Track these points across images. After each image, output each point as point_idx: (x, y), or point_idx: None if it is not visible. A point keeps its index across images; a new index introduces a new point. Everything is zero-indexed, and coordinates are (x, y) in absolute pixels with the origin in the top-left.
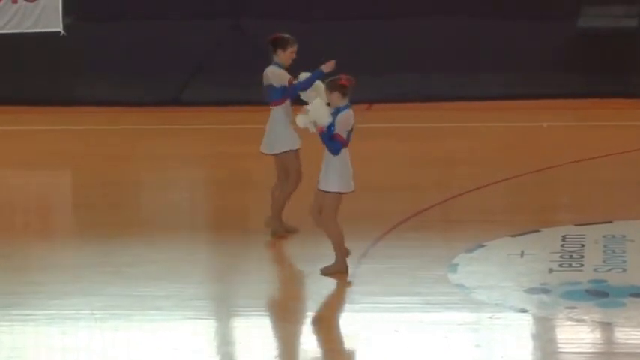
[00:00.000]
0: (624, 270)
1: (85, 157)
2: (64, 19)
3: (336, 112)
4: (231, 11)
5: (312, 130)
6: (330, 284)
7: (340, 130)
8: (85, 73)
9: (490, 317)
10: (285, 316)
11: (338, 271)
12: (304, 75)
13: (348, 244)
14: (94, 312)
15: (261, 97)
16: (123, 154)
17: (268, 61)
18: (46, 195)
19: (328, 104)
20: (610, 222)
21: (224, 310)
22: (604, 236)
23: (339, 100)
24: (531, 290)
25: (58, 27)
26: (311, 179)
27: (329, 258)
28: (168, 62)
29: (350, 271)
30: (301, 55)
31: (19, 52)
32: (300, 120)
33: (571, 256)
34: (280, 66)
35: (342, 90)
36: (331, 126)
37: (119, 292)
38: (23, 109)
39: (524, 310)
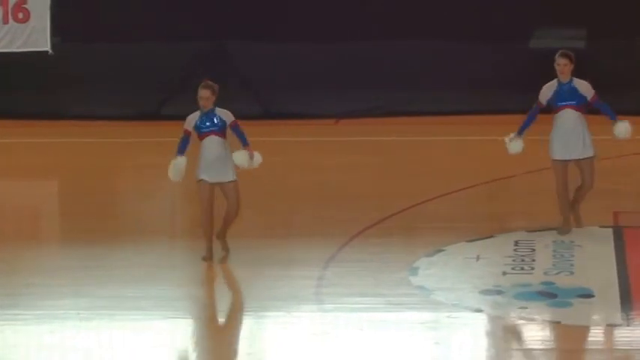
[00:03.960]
0: (572, 273)
1: (72, 168)
2: (52, 39)
3: None
4: (209, 32)
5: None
6: (300, 286)
7: None
8: (71, 90)
9: (448, 317)
10: (257, 316)
11: None
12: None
13: (316, 249)
14: (80, 312)
15: (236, 112)
16: (107, 165)
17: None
18: (35, 204)
19: None
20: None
21: (201, 311)
22: (554, 241)
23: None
24: (486, 292)
25: (46, 46)
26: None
27: (300, 262)
28: (149, 79)
29: (318, 274)
30: (277, 73)
31: (9, 70)
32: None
33: (523, 260)
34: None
35: None
36: None
37: (104, 293)
38: (12, 124)
39: (479, 310)
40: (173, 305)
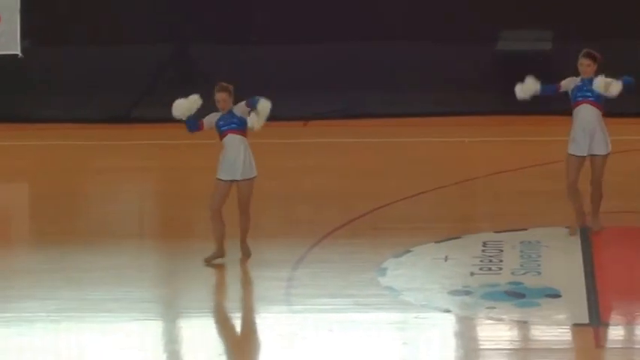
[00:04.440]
0: (539, 273)
1: (41, 170)
2: (22, 42)
3: None
4: (176, 36)
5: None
6: (268, 287)
7: None
8: (41, 93)
9: (416, 317)
10: (227, 317)
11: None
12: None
13: (285, 251)
14: (49, 314)
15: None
16: (76, 168)
17: (215, 81)
18: (4, 206)
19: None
20: (526, 229)
21: (169, 312)
22: (521, 242)
23: None
24: (454, 292)
25: (16, 50)
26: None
27: (268, 263)
28: (118, 83)
29: (288, 275)
30: (245, 76)
31: None
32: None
33: (491, 261)
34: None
35: None
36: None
37: (72, 295)
38: None
39: (447, 311)
40: (141, 307)
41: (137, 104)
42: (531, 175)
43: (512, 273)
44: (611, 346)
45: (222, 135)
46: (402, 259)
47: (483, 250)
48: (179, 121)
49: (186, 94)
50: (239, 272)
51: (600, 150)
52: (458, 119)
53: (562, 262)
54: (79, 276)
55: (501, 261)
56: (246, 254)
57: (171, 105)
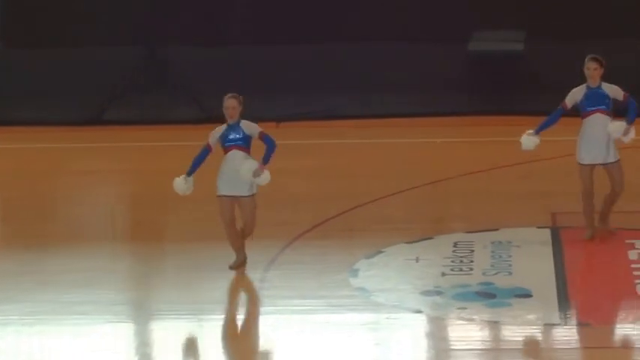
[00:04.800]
0: (510, 273)
1: (14, 173)
2: None
3: None
4: (149, 38)
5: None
6: (241, 289)
7: None
8: (12, 96)
9: (388, 318)
10: (199, 319)
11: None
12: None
13: (257, 252)
14: (22, 317)
15: (176, 117)
16: (48, 170)
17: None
18: None
19: None
20: (497, 229)
21: (142, 314)
22: (492, 242)
23: None
24: (426, 293)
25: None
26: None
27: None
28: (90, 85)
29: (259, 276)
30: (217, 78)
31: None
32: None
33: (462, 261)
34: None
35: None
36: None
37: (45, 298)
38: None
39: (419, 311)
40: (114, 309)
41: (109, 106)
42: (503, 176)
43: (484, 273)
44: (581, 346)
45: (226, 149)
46: (374, 260)
47: (454, 251)
48: (151, 122)
49: (158, 96)
50: (210, 274)
51: (614, 157)
52: (430, 120)
53: (533, 262)
54: (52, 279)
55: (472, 261)
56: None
57: (143, 106)
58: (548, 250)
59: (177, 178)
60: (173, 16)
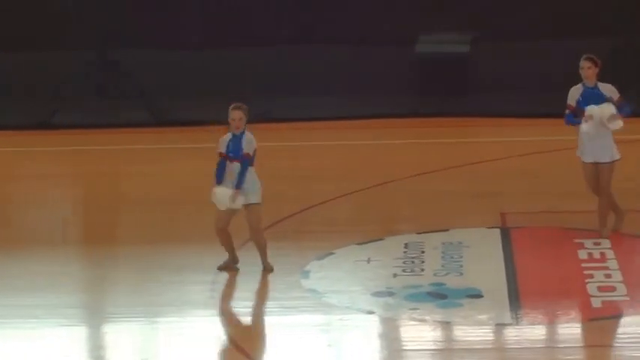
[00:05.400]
0: (461, 274)
1: None
2: None
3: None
4: (100, 41)
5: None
6: (193, 291)
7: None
8: None
9: (340, 319)
10: (152, 321)
11: None
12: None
13: (209, 255)
14: None
15: (126, 120)
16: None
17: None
18: None
19: None
20: (447, 230)
21: (95, 318)
22: (442, 243)
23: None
24: (377, 294)
25: None
26: None
27: (193, 267)
28: (40, 89)
29: (211, 278)
30: (169, 81)
31: None
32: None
33: (413, 262)
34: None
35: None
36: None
37: None
38: None
39: (371, 312)
40: (67, 313)
41: (58, 110)
42: (452, 177)
43: (435, 274)
44: (532, 346)
45: (231, 160)
46: (325, 261)
47: (405, 252)
48: (101, 126)
49: (108, 100)
50: (163, 277)
51: (604, 158)
52: (378, 122)
53: (483, 262)
54: (5, 283)
55: (423, 262)
56: (267, 269)
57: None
58: (499, 251)
59: (219, 189)
60: (125, 20)
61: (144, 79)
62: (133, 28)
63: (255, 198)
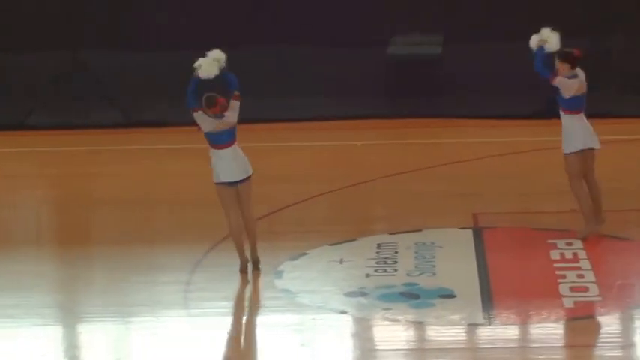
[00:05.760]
0: (434, 274)
1: None
2: None
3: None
4: (73, 43)
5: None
6: (166, 292)
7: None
8: None
9: (313, 319)
10: (126, 321)
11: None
12: None
13: (182, 255)
14: None
15: (98, 121)
16: None
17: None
18: None
19: None
20: (420, 230)
21: (70, 317)
22: (415, 243)
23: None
24: (350, 294)
25: None
26: None
27: (166, 268)
28: (13, 90)
29: (185, 278)
30: (137, 82)
31: None
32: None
33: (386, 262)
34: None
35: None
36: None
37: None
38: None
39: (344, 312)
40: (42, 312)
41: (32, 112)
42: (424, 177)
43: (408, 274)
44: (505, 346)
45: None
46: (298, 261)
47: (378, 252)
48: (73, 127)
49: (80, 101)
50: (136, 277)
51: (595, 144)
52: (350, 123)
53: (456, 262)
54: None
55: (396, 262)
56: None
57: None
58: (471, 251)
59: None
60: (97, 21)
61: (115, 81)
62: (105, 30)
63: (250, 168)
